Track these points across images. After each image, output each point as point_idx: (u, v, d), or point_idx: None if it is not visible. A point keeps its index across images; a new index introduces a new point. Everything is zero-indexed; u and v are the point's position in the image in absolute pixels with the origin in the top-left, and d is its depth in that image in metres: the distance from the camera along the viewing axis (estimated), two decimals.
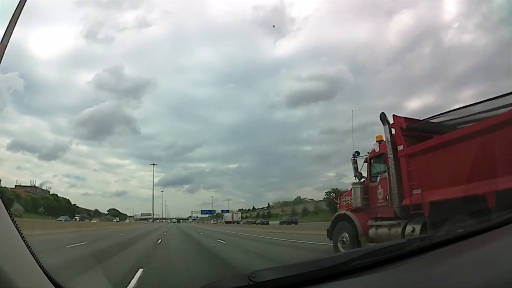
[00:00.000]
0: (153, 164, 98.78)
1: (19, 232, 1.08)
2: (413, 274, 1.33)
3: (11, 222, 1.06)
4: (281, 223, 48.34)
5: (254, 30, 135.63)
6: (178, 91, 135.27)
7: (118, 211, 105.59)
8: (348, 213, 8.69)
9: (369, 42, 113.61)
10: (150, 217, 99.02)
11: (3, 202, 1.05)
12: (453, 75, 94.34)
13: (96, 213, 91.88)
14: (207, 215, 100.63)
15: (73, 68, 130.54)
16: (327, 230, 9.50)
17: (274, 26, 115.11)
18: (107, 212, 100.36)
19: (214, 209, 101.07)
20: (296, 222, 46.27)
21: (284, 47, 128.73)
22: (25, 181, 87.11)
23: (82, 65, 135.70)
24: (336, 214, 9.38)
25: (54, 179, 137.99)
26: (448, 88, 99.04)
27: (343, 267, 1.37)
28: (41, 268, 1.14)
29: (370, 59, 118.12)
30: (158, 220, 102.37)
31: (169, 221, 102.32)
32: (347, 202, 9.43)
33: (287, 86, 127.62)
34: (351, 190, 9.52)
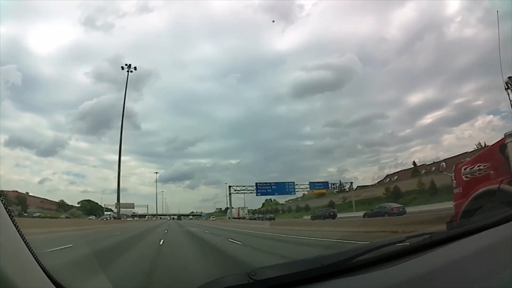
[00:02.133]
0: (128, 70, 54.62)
1: (19, 232, 1.07)
2: (415, 272, 1.29)
3: (11, 222, 1.05)
4: (313, 218, 39.42)
5: (261, 18, 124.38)
6: (179, 84, 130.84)
7: (96, 203, 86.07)
8: (507, 187, 4.20)
9: (374, 33, 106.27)
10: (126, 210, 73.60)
11: (2, 202, 1.03)
12: (455, 69, 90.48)
13: (61, 206, 67.98)
14: (276, 195, 63.51)
15: (70, 58, 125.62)
16: (448, 223, 3.86)
17: (273, 21, 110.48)
18: (78, 205, 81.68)
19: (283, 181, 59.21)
20: (334, 216, 37.92)
21: (291, 36, 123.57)
22: (25, 179, 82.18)
23: (80, 55, 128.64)
24: (479, 192, 4.70)
25: (54, 176, 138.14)
26: (449, 82, 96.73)
27: (344, 265, 1.36)
28: (41, 268, 1.12)
29: (378, 50, 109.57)
30: (147, 217, 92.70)
31: (169, 218, 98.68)
32: (477, 173, 4.95)
33: (293, 77, 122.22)
34: (479, 155, 5.64)
